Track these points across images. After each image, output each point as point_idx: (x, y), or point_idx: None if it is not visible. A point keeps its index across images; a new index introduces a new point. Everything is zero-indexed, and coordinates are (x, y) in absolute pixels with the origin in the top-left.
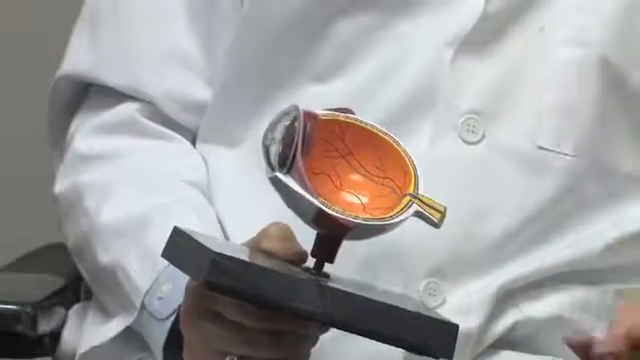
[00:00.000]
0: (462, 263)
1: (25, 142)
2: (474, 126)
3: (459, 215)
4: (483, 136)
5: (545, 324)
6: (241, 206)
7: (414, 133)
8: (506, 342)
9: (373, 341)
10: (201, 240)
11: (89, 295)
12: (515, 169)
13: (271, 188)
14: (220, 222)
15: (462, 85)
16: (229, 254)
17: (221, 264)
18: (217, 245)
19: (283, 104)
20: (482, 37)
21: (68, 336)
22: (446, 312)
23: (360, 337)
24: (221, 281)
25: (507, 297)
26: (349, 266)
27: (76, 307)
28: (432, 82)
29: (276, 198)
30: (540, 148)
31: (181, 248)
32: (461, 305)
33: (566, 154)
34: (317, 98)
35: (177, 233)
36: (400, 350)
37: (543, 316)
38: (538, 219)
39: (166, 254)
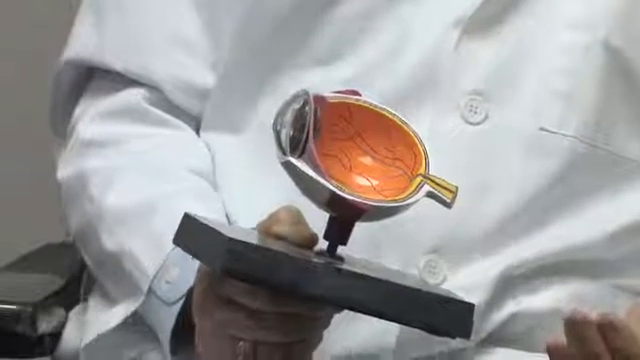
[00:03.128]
0: (463, 242)
1: (25, 142)
2: (477, 107)
3: (460, 194)
4: (486, 117)
5: (543, 317)
6: (246, 192)
7: (417, 113)
8: (504, 335)
9: (368, 323)
10: (213, 226)
11: (89, 295)
12: (517, 150)
13: (276, 173)
14: (225, 209)
15: (465, 66)
16: (243, 240)
17: (237, 250)
18: (229, 230)
19: (286, 89)
20: (486, 19)
21: (68, 336)
22: None
23: (356, 319)
24: (238, 267)
25: (506, 286)
26: (350, 243)
27: (77, 308)
28: (435, 63)
29: (281, 183)
30: (542, 129)
31: (193, 234)
32: (462, 284)
33: (568, 136)
34: (320, 81)
35: (188, 219)
36: (394, 333)
37: (541, 309)
38: (538, 200)
39: (177, 240)
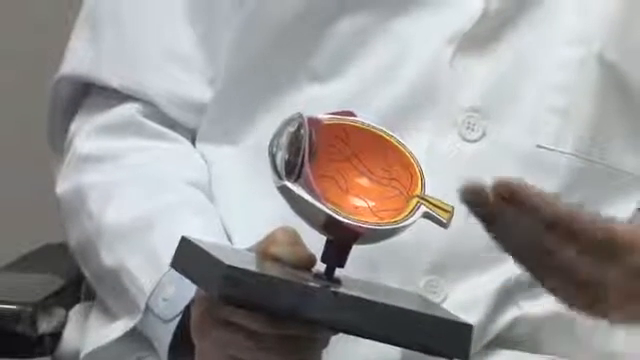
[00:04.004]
0: (462, 260)
1: (25, 142)
2: (474, 124)
3: (459, 213)
4: (483, 134)
5: (544, 322)
6: (242, 205)
7: (415, 131)
8: (505, 340)
9: (370, 342)
10: (210, 250)
11: (89, 295)
12: (515, 167)
13: (272, 187)
14: (222, 221)
15: (462, 83)
16: (240, 265)
17: (234, 277)
18: (226, 255)
19: (283, 104)
20: (482, 36)
21: (68, 336)
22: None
23: (358, 339)
24: (235, 294)
25: (507, 295)
26: (348, 264)
27: (77, 307)
28: (432, 80)
29: (278, 198)
30: (539, 147)
31: (190, 259)
32: (461, 302)
33: (565, 153)
34: (317, 98)
35: (185, 243)
36: (397, 351)
37: (542, 314)
38: None
39: (175, 264)
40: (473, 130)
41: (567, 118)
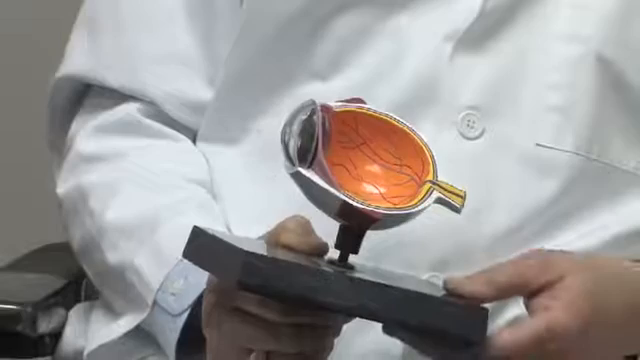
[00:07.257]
0: (464, 257)
1: (25, 142)
2: (474, 122)
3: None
4: (483, 132)
5: None
6: (244, 203)
7: (416, 127)
8: None
9: (376, 335)
10: (226, 239)
11: (89, 295)
12: (514, 165)
13: (273, 186)
14: (224, 219)
15: (461, 80)
16: (258, 252)
17: (253, 263)
18: (240, 242)
19: (284, 102)
20: (480, 33)
21: (68, 336)
22: None
23: (364, 330)
24: (254, 280)
25: None
26: (353, 256)
27: (77, 307)
28: (432, 77)
29: (279, 196)
30: (539, 145)
31: (204, 247)
32: None
33: (565, 151)
34: (317, 95)
35: (198, 232)
36: (398, 345)
37: None
38: (539, 215)
39: (187, 254)
40: (472, 128)
41: (566, 116)
